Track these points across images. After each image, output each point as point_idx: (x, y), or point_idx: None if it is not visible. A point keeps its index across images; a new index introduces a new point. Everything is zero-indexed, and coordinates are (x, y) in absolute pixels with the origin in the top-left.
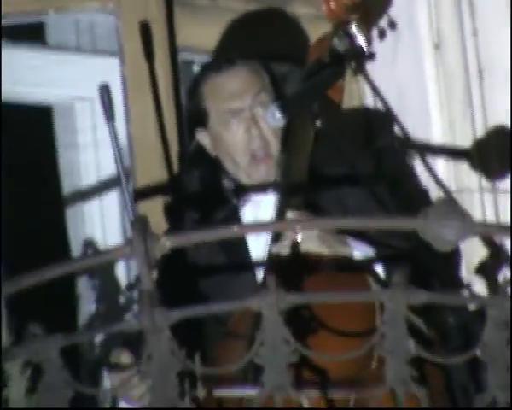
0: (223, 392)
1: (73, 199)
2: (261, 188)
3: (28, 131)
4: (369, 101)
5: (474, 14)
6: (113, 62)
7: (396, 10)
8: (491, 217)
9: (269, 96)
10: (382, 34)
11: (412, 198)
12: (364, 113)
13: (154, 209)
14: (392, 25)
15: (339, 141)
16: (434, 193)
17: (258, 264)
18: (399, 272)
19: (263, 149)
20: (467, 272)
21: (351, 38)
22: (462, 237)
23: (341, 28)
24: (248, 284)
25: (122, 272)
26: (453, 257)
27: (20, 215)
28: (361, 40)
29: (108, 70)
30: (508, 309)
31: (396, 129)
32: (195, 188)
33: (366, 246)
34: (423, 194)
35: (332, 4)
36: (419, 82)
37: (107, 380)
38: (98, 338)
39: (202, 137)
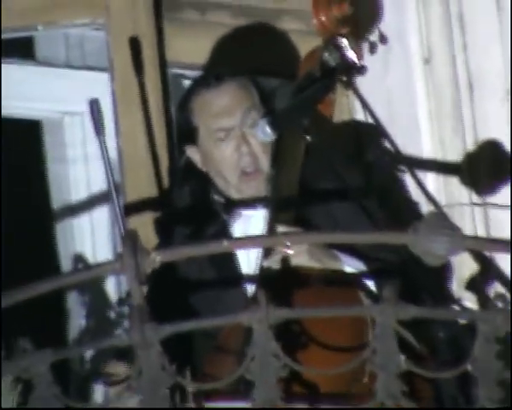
0: (213, 406)
1: (63, 214)
2: (251, 203)
3: (18, 145)
4: (360, 115)
5: (463, 28)
6: (103, 77)
7: (386, 24)
8: (481, 231)
9: (258, 112)
10: (373, 48)
11: (402, 212)
12: (354, 127)
13: (145, 224)
14: (383, 39)
15: (329, 155)
16: (425, 207)
17: (249, 279)
18: (389, 287)
19: (253, 165)
20: (457, 286)
21: (341, 52)
22: (452, 252)
23: (332, 42)
24: (238, 299)
25: (112, 287)
26: (443, 271)
27: (9, 230)
28: (351, 54)
29: (98, 85)
30: (498, 324)
31: (386, 143)
32: (185, 203)
33: (356, 260)
34: (413, 208)
35: (322, 18)
36: (409, 96)
37: (98, 394)
38: (88, 353)
39: (192, 153)
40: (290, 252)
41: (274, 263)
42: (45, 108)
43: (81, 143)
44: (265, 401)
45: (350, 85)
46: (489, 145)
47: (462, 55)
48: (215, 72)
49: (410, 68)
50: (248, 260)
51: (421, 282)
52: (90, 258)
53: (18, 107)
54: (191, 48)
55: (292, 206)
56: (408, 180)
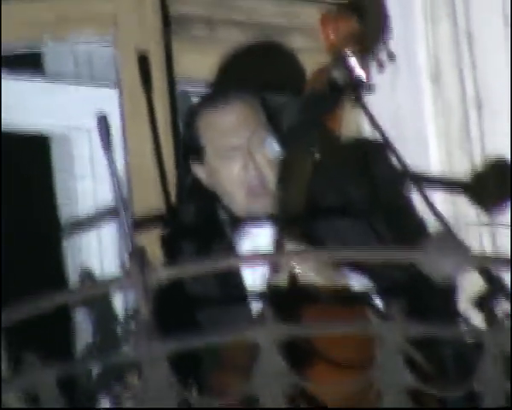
0: None
1: (71, 229)
2: (258, 220)
3: (26, 160)
4: (367, 131)
5: (472, 46)
6: (111, 92)
7: (394, 42)
8: (488, 249)
9: (265, 130)
10: (381, 66)
11: (410, 230)
12: (362, 143)
13: (152, 240)
14: (391, 56)
15: (336, 172)
16: (432, 225)
17: (255, 296)
18: (397, 305)
19: (259, 182)
20: (464, 304)
21: (349, 69)
22: (460, 270)
23: (340, 59)
24: (245, 316)
25: (119, 303)
26: (451, 289)
27: (17, 244)
28: (359, 71)
29: (106, 100)
30: (505, 342)
31: (394, 160)
32: (192, 220)
33: (364, 278)
34: (421, 226)
35: (331, 36)
36: (417, 114)
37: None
38: (95, 369)
39: (199, 171)
40: (297, 269)
41: (281, 280)
42: (53, 123)
43: (89, 159)
44: None
45: (358, 103)
46: (497, 163)
47: (471, 72)
48: (222, 90)
49: (419, 86)
50: (254, 278)
51: (429, 300)
52: (98, 273)
53: (26, 121)
54: (200, 64)
55: (299, 223)
56: (416, 197)
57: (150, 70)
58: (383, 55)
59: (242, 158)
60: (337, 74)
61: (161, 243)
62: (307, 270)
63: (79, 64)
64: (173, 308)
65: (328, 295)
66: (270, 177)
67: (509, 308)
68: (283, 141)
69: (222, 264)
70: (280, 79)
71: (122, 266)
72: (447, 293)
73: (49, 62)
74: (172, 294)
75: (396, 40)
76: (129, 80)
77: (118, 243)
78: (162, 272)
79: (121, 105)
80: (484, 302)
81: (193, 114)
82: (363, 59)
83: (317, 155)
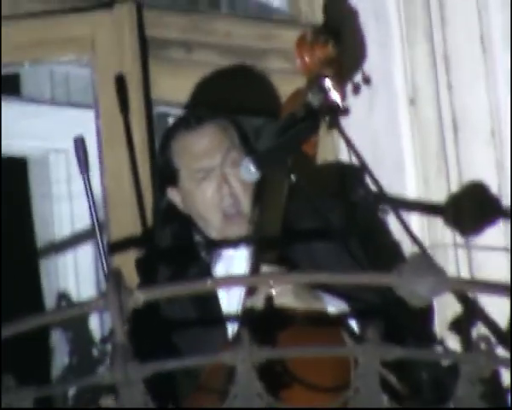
0: None
1: (47, 251)
2: (233, 243)
3: (3, 182)
4: (344, 155)
5: (448, 68)
6: (88, 115)
7: (371, 64)
8: (464, 272)
9: (239, 152)
10: (357, 89)
11: (386, 253)
12: (339, 167)
13: (129, 262)
14: (367, 80)
15: (313, 195)
16: (408, 248)
17: (231, 318)
18: (373, 327)
19: (234, 207)
20: (440, 327)
21: (325, 92)
22: (436, 293)
23: (316, 83)
24: (221, 339)
25: (96, 325)
26: (427, 313)
27: None
28: (335, 95)
29: (83, 122)
30: (481, 365)
31: (370, 183)
32: (168, 244)
33: (340, 300)
34: (397, 249)
35: (306, 59)
36: (394, 136)
37: None
38: (71, 390)
39: (173, 195)
40: (273, 292)
41: (257, 302)
42: (30, 144)
43: (66, 181)
44: None
45: (333, 126)
46: (473, 186)
47: (447, 95)
48: (195, 113)
49: (395, 108)
50: (230, 300)
51: (405, 323)
52: (74, 295)
53: (3, 144)
54: (177, 86)
55: (275, 246)
56: (392, 221)
57: (127, 92)
58: (359, 79)
59: (216, 180)
60: (313, 98)
61: (137, 265)
62: (283, 293)
63: (56, 86)
64: (149, 331)
65: (303, 317)
66: (245, 199)
67: (491, 333)
68: (259, 164)
69: (197, 286)
70: (254, 101)
71: (98, 287)
72: (423, 316)
73: (26, 85)
74: (148, 316)
75: (373, 63)
76: (106, 102)
77: (94, 265)
78: (138, 295)
79: (98, 127)
80: (460, 325)
81: (167, 137)
82: (339, 82)
83: (293, 179)
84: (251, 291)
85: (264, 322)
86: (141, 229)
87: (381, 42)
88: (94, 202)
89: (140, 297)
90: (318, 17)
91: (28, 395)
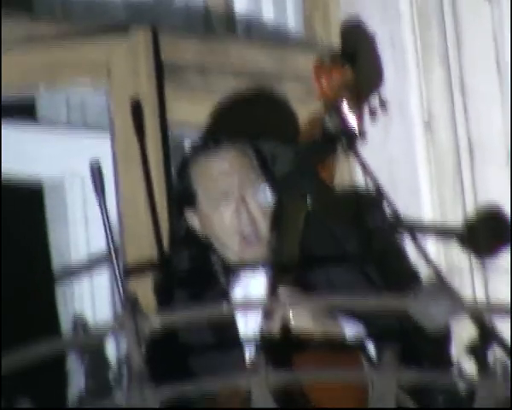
0: None
1: (63, 275)
2: (251, 266)
3: (19, 206)
4: (360, 179)
5: (464, 93)
6: (104, 139)
7: (387, 89)
8: (480, 296)
9: (257, 176)
10: (373, 114)
11: (402, 278)
12: (355, 192)
13: (145, 287)
14: (384, 105)
15: (329, 220)
16: (424, 272)
17: (248, 342)
18: (389, 351)
19: (252, 230)
20: (457, 351)
21: (342, 117)
22: (452, 318)
23: (333, 108)
24: (238, 363)
25: (112, 348)
26: (443, 337)
27: (9, 292)
28: (352, 120)
29: (99, 146)
30: (496, 390)
31: (386, 208)
32: (185, 267)
33: (357, 324)
34: (413, 274)
35: (324, 84)
36: (410, 161)
37: None
38: None
39: (191, 218)
40: (290, 315)
41: (274, 327)
42: (46, 169)
43: (82, 205)
44: None
45: (351, 151)
46: (489, 210)
47: (463, 119)
48: (213, 138)
49: (411, 133)
50: (247, 324)
51: (421, 347)
52: (90, 320)
53: (19, 168)
54: (192, 111)
55: (292, 270)
56: (408, 245)
57: (143, 117)
58: (376, 104)
59: (235, 204)
60: (330, 123)
61: (154, 290)
62: (300, 317)
63: (72, 111)
64: (166, 355)
65: (321, 341)
66: (263, 224)
67: (507, 357)
68: (277, 189)
69: (215, 311)
70: (272, 126)
71: (114, 313)
72: (440, 340)
73: (42, 110)
74: (165, 341)
75: (389, 88)
76: (122, 127)
77: (110, 290)
78: (154, 320)
79: (114, 152)
80: (476, 349)
81: (185, 161)
82: (356, 108)
83: (310, 204)
84: (268, 315)
85: (281, 346)
86: (156, 253)
87: (397, 67)
88: (110, 227)
89: (156, 322)
90: (334, 41)
91: None
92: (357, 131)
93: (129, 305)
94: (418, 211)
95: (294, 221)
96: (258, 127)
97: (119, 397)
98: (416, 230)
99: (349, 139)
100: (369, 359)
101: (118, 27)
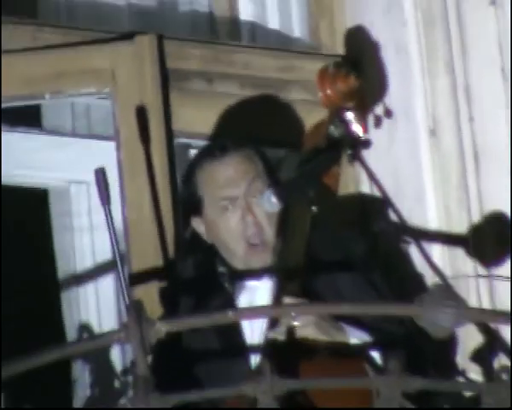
0: None
1: (69, 283)
2: (257, 274)
3: (24, 213)
4: (365, 187)
5: (470, 99)
6: (109, 146)
7: (392, 95)
8: (486, 303)
9: (263, 182)
10: (378, 121)
11: (407, 284)
12: (360, 198)
13: (150, 294)
14: (388, 112)
15: (335, 227)
16: (430, 279)
17: (253, 349)
18: (395, 358)
19: (258, 236)
20: (462, 358)
21: (347, 125)
22: (457, 324)
23: (337, 115)
24: (243, 370)
25: (117, 356)
26: (449, 343)
27: (15, 299)
28: (356, 127)
29: (104, 154)
30: (502, 396)
31: (392, 214)
32: (191, 274)
33: (362, 332)
34: (418, 280)
35: (328, 91)
36: (415, 167)
37: None
38: None
39: (197, 225)
40: (296, 323)
41: (279, 334)
42: (51, 176)
43: (87, 212)
44: None
45: (355, 158)
46: (494, 217)
47: (468, 126)
48: (219, 143)
49: (416, 139)
50: (253, 332)
51: (427, 353)
52: (96, 327)
53: (24, 175)
54: (197, 117)
55: (298, 277)
56: (413, 251)
57: (148, 123)
58: (381, 111)
59: (240, 210)
60: (334, 130)
61: (159, 296)
62: (305, 324)
63: (77, 118)
64: (172, 363)
65: (326, 349)
66: (269, 229)
67: (508, 362)
68: (282, 195)
69: (220, 318)
70: (277, 131)
71: (120, 319)
72: (445, 347)
73: (47, 116)
74: (171, 348)
75: (394, 95)
76: (127, 134)
77: (116, 297)
78: (160, 326)
79: (119, 159)
80: (482, 356)
81: (191, 166)
82: (361, 115)
83: (315, 210)
84: (273, 323)
85: (287, 353)
86: (162, 260)
87: (402, 73)
88: (115, 234)
89: (161, 329)
90: (339, 48)
91: None
92: (361, 138)
93: (134, 312)
94: (423, 217)
95: (300, 228)
96: (263, 133)
97: (125, 405)
98: (421, 236)
99: (354, 147)
100: (374, 366)
101: (123, 34)
